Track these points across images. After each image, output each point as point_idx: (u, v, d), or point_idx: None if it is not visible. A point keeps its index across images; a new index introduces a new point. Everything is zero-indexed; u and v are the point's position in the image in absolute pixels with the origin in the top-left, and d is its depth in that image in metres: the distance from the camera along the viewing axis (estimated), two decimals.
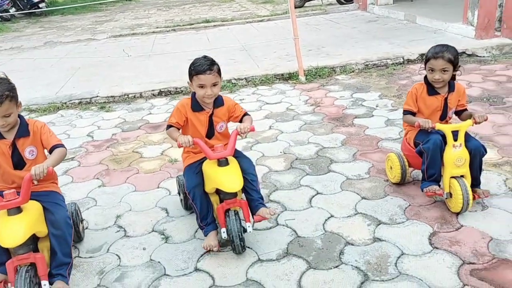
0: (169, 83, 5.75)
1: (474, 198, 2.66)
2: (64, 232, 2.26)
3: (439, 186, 2.70)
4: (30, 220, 2.15)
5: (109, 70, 7.14)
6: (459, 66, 2.74)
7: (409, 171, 3.03)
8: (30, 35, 12.91)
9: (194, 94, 2.59)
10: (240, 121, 2.70)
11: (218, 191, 2.53)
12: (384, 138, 3.82)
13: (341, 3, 12.34)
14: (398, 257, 2.37)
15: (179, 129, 2.60)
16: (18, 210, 2.13)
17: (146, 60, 7.73)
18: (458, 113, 2.87)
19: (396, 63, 5.89)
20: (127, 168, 3.69)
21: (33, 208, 2.21)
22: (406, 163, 2.97)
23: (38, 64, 8.15)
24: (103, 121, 4.86)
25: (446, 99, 2.78)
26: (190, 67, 2.53)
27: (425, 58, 2.75)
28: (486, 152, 2.70)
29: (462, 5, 7.13)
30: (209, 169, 2.47)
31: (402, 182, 3.03)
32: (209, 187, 2.52)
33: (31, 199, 2.20)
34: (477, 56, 5.98)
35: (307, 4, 13.11)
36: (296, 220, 2.78)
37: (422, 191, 2.76)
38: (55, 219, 2.26)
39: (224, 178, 2.41)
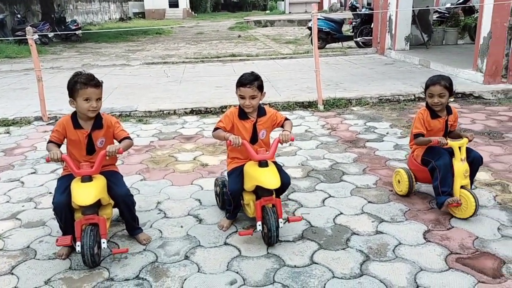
0: (199, 104, 6.37)
1: None
2: (127, 203, 2.82)
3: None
4: (98, 188, 2.66)
5: (144, 91, 7.82)
6: (454, 92, 3.25)
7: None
8: (67, 58, 13.87)
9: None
10: (282, 126, 3.07)
11: (255, 190, 2.87)
12: (392, 158, 4.31)
13: (360, 46, 13.08)
14: (396, 246, 2.81)
15: (225, 131, 2.95)
16: (90, 178, 2.64)
17: (177, 85, 8.41)
18: (450, 133, 3.33)
19: (408, 100, 6.45)
20: (164, 168, 4.23)
21: (100, 179, 2.72)
22: (413, 178, 3.39)
23: None
24: (142, 131, 5.46)
25: (446, 121, 3.26)
26: (237, 80, 2.98)
27: (425, 86, 3.24)
28: (482, 162, 3.21)
29: (473, 54, 7.72)
30: (251, 169, 2.84)
31: (408, 195, 3.44)
32: (249, 185, 2.86)
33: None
34: (483, 98, 6.51)
35: (327, 46, 13.88)
36: (310, 214, 3.25)
37: (441, 205, 3.08)
38: (120, 192, 2.79)
39: (264, 176, 2.77)
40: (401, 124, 5.41)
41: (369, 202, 3.42)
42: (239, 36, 20.20)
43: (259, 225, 2.79)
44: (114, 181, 2.81)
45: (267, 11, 42.72)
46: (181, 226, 3.12)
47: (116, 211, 2.98)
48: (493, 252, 2.70)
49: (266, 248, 2.82)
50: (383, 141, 4.84)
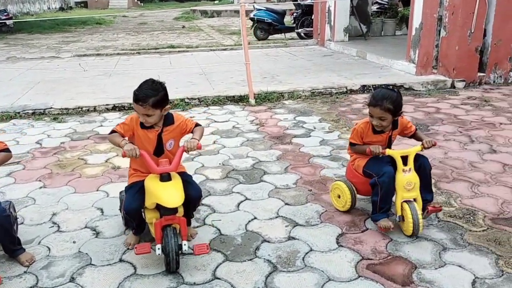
0: (124, 99, 5.96)
1: (428, 213, 2.81)
2: (3, 225, 2.44)
3: (388, 216, 2.81)
4: None
5: (68, 86, 7.27)
6: (401, 112, 2.80)
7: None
8: None
9: None
10: (192, 132, 2.64)
11: (158, 207, 2.45)
12: (316, 155, 4.14)
13: (301, 38, 12.99)
14: (307, 253, 2.63)
15: (122, 137, 2.52)
16: None
17: (106, 78, 7.91)
18: (410, 137, 2.98)
19: (340, 92, 6.35)
20: (70, 173, 3.84)
21: None
22: (355, 190, 2.99)
23: None
24: (54, 131, 5.00)
25: (390, 136, 2.89)
26: (134, 91, 2.50)
27: (368, 101, 2.80)
28: (431, 167, 2.87)
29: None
30: (151, 183, 2.44)
31: (350, 210, 3.03)
32: (149, 202, 2.47)
33: None
34: (413, 90, 6.52)
35: (270, 37, 13.70)
36: (222, 221, 3.01)
37: (375, 222, 2.81)
38: None
39: (165, 193, 2.37)
40: (330, 118, 5.28)
41: (286, 204, 3.23)
42: (183, 26, 19.61)
43: (158, 248, 2.39)
44: None
45: (216, 1, 42.00)
46: (74, 242, 2.78)
47: None
48: (405, 256, 2.57)
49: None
50: (310, 136, 4.67)
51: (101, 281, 2.40)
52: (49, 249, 2.71)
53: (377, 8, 14.05)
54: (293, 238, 2.78)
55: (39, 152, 4.34)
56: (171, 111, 2.67)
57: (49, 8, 33.07)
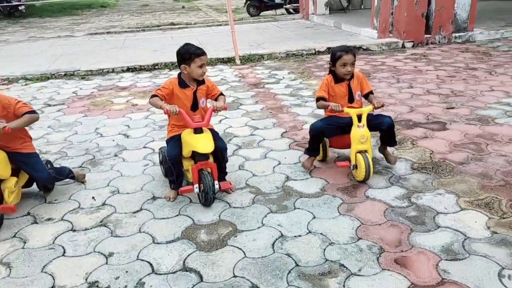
0: (135, 63, 7.47)
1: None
2: (49, 184, 3.26)
3: (315, 157, 3.52)
4: None
5: (87, 57, 8.76)
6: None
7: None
8: (13, 32, 14.31)
9: (179, 74, 3.12)
10: (216, 99, 3.22)
11: (193, 156, 3.04)
12: (280, 94, 5.65)
13: (290, 13, 14.35)
14: (261, 140, 4.15)
15: (162, 100, 3.01)
16: None
17: (118, 51, 9.39)
18: (366, 96, 3.42)
19: (309, 54, 7.82)
20: (102, 108, 5.38)
21: None
22: (327, 143, 3.55)
23: (25, 52, 9.69)
24: (84, 85, 6.54)
25: (349, 85, 3.34)
26: (186, 52, 3.00)
27: (335, 56, 3.23)
28: (394, 125, 3.35)
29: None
30: (187, 136, 3.00)
31: (325, 159, 3.64)
32: (186, 151, 3.03)
33: (11, 158, 2.95)
34: (370, 50, 7.97)
35: (262, 13, 15.06)
36: None
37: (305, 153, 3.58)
38: (39, 177, 3.10)
39: (199, 142, 2.93)
40: (298, 71, 6.76)
41: (252, 119, 4.75)
42: (183, 7, 20.96)
43: (196, 187, 2.99)
44: (30, 165, 3.05)
45: None
46: (113, 140, 4.33)
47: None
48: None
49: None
50: (279, 83, 6.17)
51: (135, 156, 3.95)
52: (97, 144, 4.26)
53: None
54: (254, 135, 4.31)
55: (76, 98, 5.88)
56: None
57: None
